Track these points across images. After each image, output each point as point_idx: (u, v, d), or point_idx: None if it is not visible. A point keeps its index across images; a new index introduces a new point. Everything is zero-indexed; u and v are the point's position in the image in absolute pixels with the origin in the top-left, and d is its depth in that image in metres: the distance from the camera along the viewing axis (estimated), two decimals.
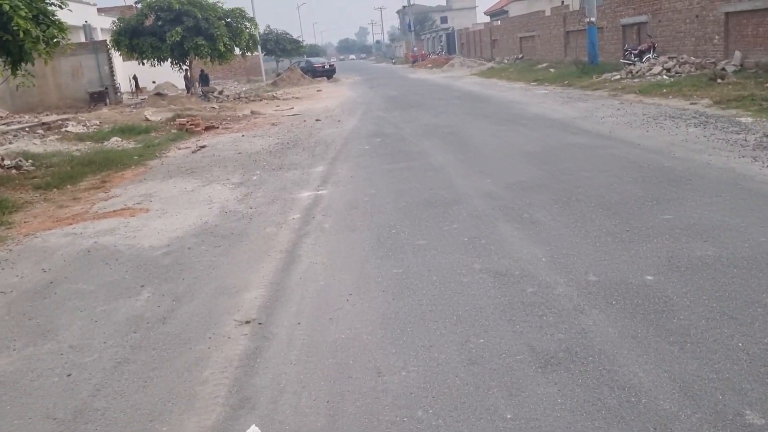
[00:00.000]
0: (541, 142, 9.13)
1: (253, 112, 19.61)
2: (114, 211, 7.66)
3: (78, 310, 4.41)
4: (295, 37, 56.49)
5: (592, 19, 21.41)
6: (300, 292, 4.29)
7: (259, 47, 47.56)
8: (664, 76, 17.67)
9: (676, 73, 17.98)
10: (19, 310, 4.52)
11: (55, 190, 9.41)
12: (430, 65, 47.59)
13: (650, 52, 20.63)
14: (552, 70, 25.43)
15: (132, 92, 32.89)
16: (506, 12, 55.64)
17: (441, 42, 67.74)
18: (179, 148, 13.18)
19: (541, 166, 7.42)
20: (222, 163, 10.42)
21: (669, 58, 19.50)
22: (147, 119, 20.38)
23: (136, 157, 11.86)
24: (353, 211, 6.39)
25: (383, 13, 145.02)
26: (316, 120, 15.77)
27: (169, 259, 5.40)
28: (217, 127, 16.65)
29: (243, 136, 14.13)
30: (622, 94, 14.93)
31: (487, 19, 66.56)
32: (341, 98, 23.20)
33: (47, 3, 9.80)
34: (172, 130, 16.11)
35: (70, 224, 7.21)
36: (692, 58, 18.89)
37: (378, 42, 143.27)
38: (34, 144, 14.76)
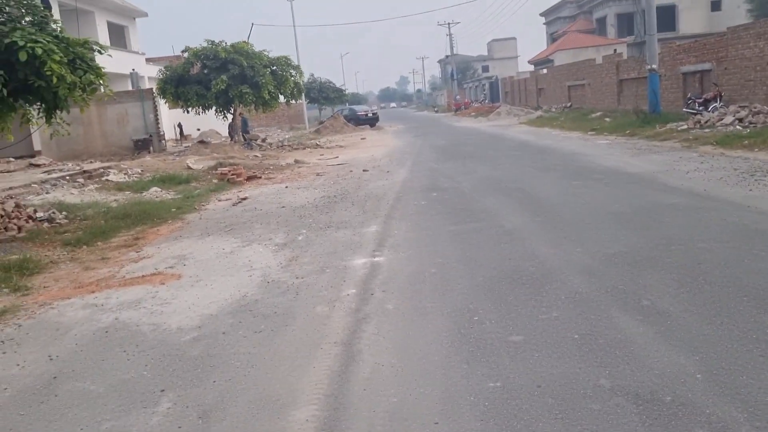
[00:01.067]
0: (628, 202, 7.95)
1: (297, 161, 18.91)
2: (143, 276, 6.74)
3: (78, 427, 3.39)
4: (338, 85, 56.75)
5: (654, 66, 20.31)
6: (367, 414, 3.20)
7: (303, 95, 47.80)
8: (738, 127, 16.36)
9: (750, 123, 16.65)
10: (6, 422, 3.53)
11: (84, 247, 8.61)
12: (473, 114, 46.92)
13: (716, 101, 19.37)
14: (607, 119, 24.28)
15: (177, 140, 32.87)
16: (551, 61, 54.98)
17: (484, 90, 67.36)
18: (219, 200, 12.39)
19: (640, 233, 6.24)
20: (264, 219, 9.51)
21: (740, 107, 18.18)
22: (189, 167, 19.89)
23: (173, 210, 11.08)
24: (420, 286, 5.31)
25: (424, 63, 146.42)
26: (363, 170, 14.89)
27: (198, 349, 4.38)
28: (260, 177, 15.91)
29: (287, 187, 13.30)
30: (697, 145, 13.68)
31: (531, 67, 66.10)
32: (387, 147, 22.40)
33: (86, 48, 9.21)
34: (214, 180, 15.43)
35: (93, 292, 6.31)
36: (765, 107, 17.56)
37: (419, 90, 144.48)
38: (72, 194, 14.20)
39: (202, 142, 25.82)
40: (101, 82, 9.46)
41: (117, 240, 9.03)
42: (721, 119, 17.39)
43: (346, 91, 60.08)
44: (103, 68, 9.39)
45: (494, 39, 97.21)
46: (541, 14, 72.06)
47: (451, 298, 4.87)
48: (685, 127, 17.56)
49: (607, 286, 4.72)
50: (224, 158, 21.98)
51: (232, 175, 15.16)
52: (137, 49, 34.95)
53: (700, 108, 19.86)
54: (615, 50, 38.14)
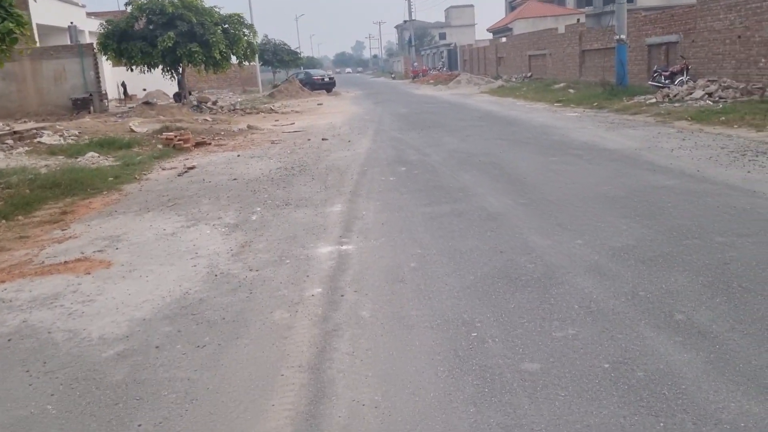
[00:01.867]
0: (618, 182, 7.24)
1: (249, 127, 17.69)
2: (65, 263, 5.68)
3: None
4: (293, 48, 54.81)
5: (623, 36, 19.71)
6: None
7: (257, 57, 45.84)
8: (708, 102, 15.94)
9: (720, 98, 16.26)
10: None
11: (2, 222, 7.44)
12: (432, 81, 45.96)
13: (683, 75, 18.93)
14: (571, 90, 23.72)
15: (120, 100, 30.93)
16: (510, 29, 54.27)
17: (442, 58, 66.36)
18: (164, 169, 11.23)
19: (643, 222, 5.50)
20: (213, 193, 8.46)
21: (709, 81, 17.79)
22: (132, 130, 18.49)
23: (111, 179, 9.90)
24: (399, 286, 4.44)
25: (381, 28, 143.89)
26: (323, 139, 13.85)
27: (123, 370, 3.43)
28: (209, 144, 14.71)
29: (239, 156, 12.19)
30: (671, 120, 13.13)
31: (489, 36, 65.29)
32: (346, 114, 21.32)
33: None
34: (158, 146, 14.15)
35: (2, 282, 5.24)
36: (734, 82, 17.21)
37: (375, 56, 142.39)
38: None
39: (147, 103, 24.18)
40: (22, 31, 8.15)
41: (42, 214, 7.88)
42: (690, 93, 16.96)
43: (302, 55, 58.14)
44: (23, 16, 8.07)
45: (452, 6, 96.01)
46: None
47: (439, 304, 4.03)
48: (654, 100, 17.07)
49: (626, 292, 3.95)
50: (171, 121, 20.54)
51: (179, 140, 13.92)
52: (78, 1, 32.53)
53: (667, 81, 19.43)
54: (578, 20, 37.59)
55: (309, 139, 14.08)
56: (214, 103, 30.08)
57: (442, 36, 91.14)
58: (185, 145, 13.82)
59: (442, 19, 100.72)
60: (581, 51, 29.43)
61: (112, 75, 33.60)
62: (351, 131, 15.26)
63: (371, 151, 11.51)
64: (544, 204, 6.46)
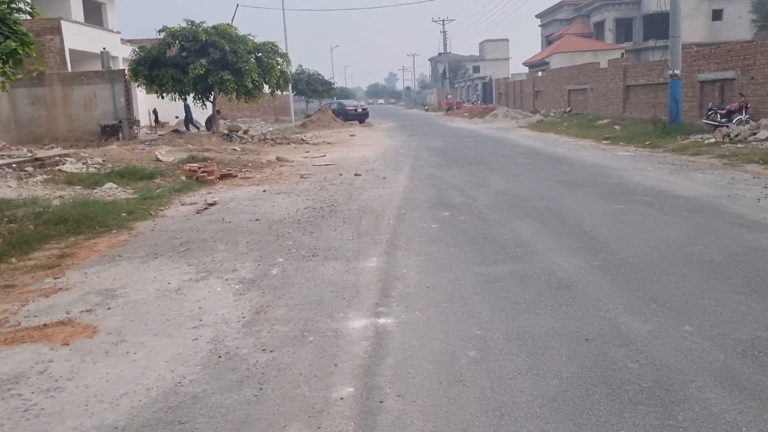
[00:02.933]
0: (709, 241, 6.04)
1: (279, 159, 16.83)
2: (44, 325, 4.69)
3: None
4: (327, 78, 54.61)
5: (677, 71, 18.50)
6: None
7: (290, 86, 45.56)
8: None
9: None
10: None
11: None
12: (466, 114, 45.06)
13: (741, 113, 17.59)
14: (617, 127, 22.49)
15: (151, 127, 30.58)
16: (547, 63, 53.35)
17: (476, 91, 65.58)
18: (183, 204, 10.33)
19: (764, 301, 4.30)
20: (231, 236, 7.47)
21: None
22: (158, 159, 17.79)
23: (124, 215, 8.99)
24: (457, 390, 3.31)
25: (414, 60, 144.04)
26: (355, 174, 12.86)
27: None
28: (235, 176, 13.84)
29: (264, 191, 11.25)
30: (740, 163, 11.84)
31: (523, 69, 64.45)
32: (379, 147, 20.39)
33: (10, 8, 7.10)
34: (182, 177, 13.31)
35: None
36: None
37: (408, 88, 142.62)
38: (9, 186, 12.02)
39: (176, 131, 23.64)
40: (27, 51, 7.34)
41: (39, 255, 6.97)
42: (754, 134, 15.64)
43: (335, 85, 57.90)
44: (29, 36, 7.26)
45: (486, 39, 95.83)
46: (537, 16, 70.54)
47: (515, 426, 2.89)
48: (713, 140, 15.78)
49: None
50: (199, 151, 19.89)
51: (203, 172, 13.07)
52: (113, 28, 32.53)
53: (723, 120, 18.11)
54: (622, 54, 36.44)
55: (341, 174, 13.11)
56: (246, 132, 29.55)
57: (476, 69, 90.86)
58: (209, 178, 12.95)
59: (476, 53, 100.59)
60: (625, 86, 28.23)
61: (146, 102, 33.37)
62: (386, 166, 14.26)
63: (408, 189, 10.46)
64: (625, 268, 5.29)
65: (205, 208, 9.78)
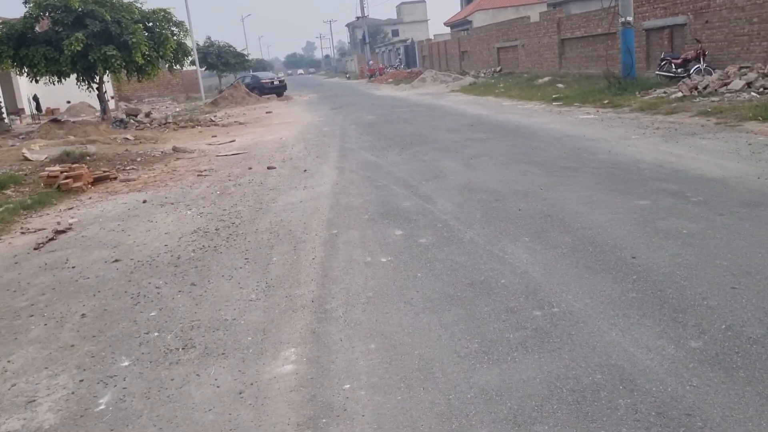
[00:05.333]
0: None
1: (176, 150, 13.74)
2: None
3: None
4: (239, 50, 50.61)
5: (629, 18, 16.39)
6: None
7: (197, 60, 41.43)
8: (753, 93, 12.74)
9: (764, 88, 13.09)
10: None
11: None
12: (391, 80, 42.41)
13: (700, 62, 15.69)
14: (560, 85, 20.41)
15: (33, 116, 26.41)
16: (470, 22, 51.15)
17: (399, 55, 62.91)
18: (25, 231, 7.32)
19: None
20: (63, 303, 4.64)
21: (743, 68, 14.64)
22: (25, 158, 14.40)
23: None
24: None
25: (332, 26, 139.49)
26: (269, 168, 10.07)
27: None
28: (114, 178, 10.78)
29: (145, 202, 8.32)
30: (734, 121, 9.79)
31: (443, 31, 62.01)
32: (299, 124, 17.48)
33: None
34: (41, 185, 10.15)
35: None
36: None
37: (327, 56, 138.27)
38: None
39: (55, 120, 19.90)
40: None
41: None
42: (725, 84, 13.73)
43: (249, 57, 53.92)
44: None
45: (403, 2, 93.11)
46: None
47: None
48: (680, 94, 13.80)
49: None
50: (81, 143, 16.48)
51: (66, 178, 9.94)
52: None
53: (679, 71, 16.24)
54: (555, 5, 34.47)
55: (250, 168, 10.27)
56: (148, 114, 25.94)
57: (395, 33, 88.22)
58: (75, 185, 9.85)
59: (394, 16, 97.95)
60: (560, 40, 26.31)
61: (30, 88, 28.91)
62: (307, 152, 11.48)
63: (339, 189, 7.78)
64: (752, 361, 2.86)
65: (51, 239, 6.83)
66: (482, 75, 33.36)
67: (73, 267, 5.58)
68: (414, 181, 7.69)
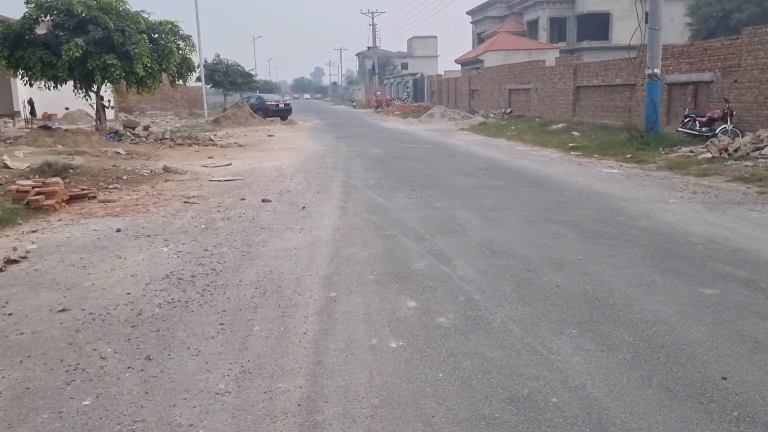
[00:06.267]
0: None
1: (166, 170, 12.75)
2: None
3: None
4: (247, 69, 50.10)
5: (656, 71, 15.62)
6: None
7: (203, 76, 40.78)
8: None
9: None
10: None
11: None
12: (398, 112, 41.78)
13: (727, 122, 14.88)
14: (575, 133, 19.59)
15: (27, 121, 25.48)
16: (481, 61, 50.86)
17: (407, 88, 62.50)
18: None
19: None
20: None
21: None
22: (5, 166, 13.43)
23: None
24: None
25: (342, 54, 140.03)
26: (263, 200, 9.07)
27: None
28: (93, 197, 9.77)
29: (119, 231, 7.30)
30: None
31: (452, 67, 61.77)
32: (301, 152, 16.55)
33: None
34: (8, 201, 9.12)
35: None
36: None
37: (334, 83, 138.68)
38: None
39: (45, 127, 18.95)
40: None
41: None
42: (759, 149, 12.87)
43: (257, 77, 53.38)
44: None
45: (415, 36, 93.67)
46: (468, 13, 68.10)
47: None
48: (709, 155, 12.92)
49: None
50: (69, 153, 15.53)
51: (38, 194, 8.91)
52: None
53: (704, 129, 15.42)
54: (572, 52, 33.95)
55: (243, 199, 9.27)
56: (146, 128, 25.02)
57: (405, 66, 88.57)
58: (46, 202, 8.82)
59: (404, 49, 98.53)
60: (576, 87, 25.58)
61: (28, 91, 28.02)
62: (307, 186, 10.51)
63: (340, 236, 6.77)
64: None
65: (1, 269, 5.78)
66: (492, 115, 32.69)
67: (10, 314, 4.53)
68: (427, 234, 6.68)
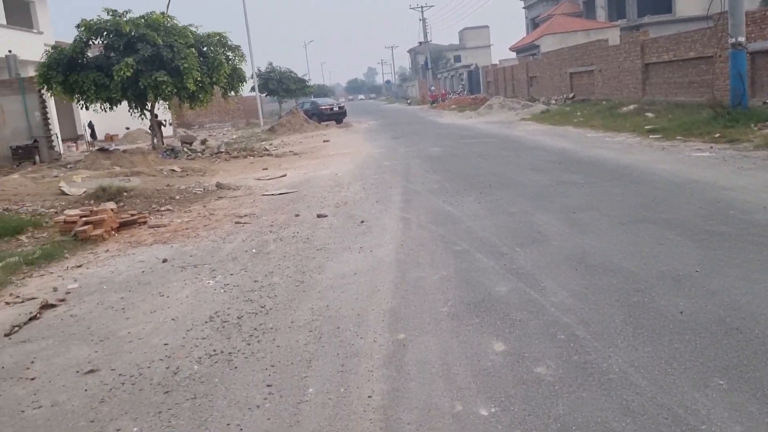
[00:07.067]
0: None
1: (219, 186, 12.26)
2: None
3: None
4: (301, 75, 49.98)
5: (741, 39, 14.10)
6: None
7: (256, 85, 40.83)
8: None
9: None
10: None
11: None
12: (454, 106, 40.71)
13: None
14: (649, 114, 18.12)
15: (88, 143, 25.82)
16: (537, 47, 49.03)
17: (462, 80, 61.16)
18: (11, 301, 5.79)
19: None
20: None
21: None
22: (62, 192, 13.29)
23: None
24: None
25: (393, 52, 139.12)
26: (319, 216, 8.35)
27: None
28: (144, 222, 9.31)
29: (164, 262, 6.72)
30: None
31: (508, 56, 59.91)
32: (358, 157, 15.84)
33: None
34: (57, 234, 8.75)
35: None
36: None
37: (388, 82, 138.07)
38: None
39: (102, 150, 18.95)
40: None
41: None
42: None
43: (310, 82, 53.26)
44: None
45: (466, 27, 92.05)
46: None
47: None
48: None
49: None
50: (126, 174, 15.36)
51: (87, 224, 8.48)
52: (44, 30, 27.38)
53: None
54: (638, 27, 32.08)
55: (297, 215, 8.59)
56: (203, 142, 24.90)
57: (457, 59, 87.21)
58: (94, 232, 8.38)
59: (456, 41, 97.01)
60: (644, 65, 23.90)
61: (89, 114, 28.34)
62: (365, 194, 9.75)
63: (404, 254, 5.95)
64: None
65: (34, 317, 5.25)
66: (553, 102, 31.21)
67: (33, 379, 3.93)
68: (505, 247, 5.78)
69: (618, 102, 23.29)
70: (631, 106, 20.67)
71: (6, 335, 4.91)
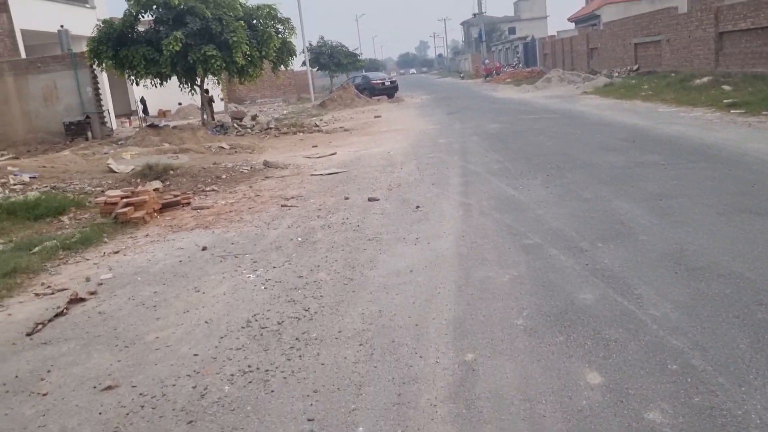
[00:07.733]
0: None
1: (266, 164, 11.76)
2: None
3: None
4: (352, 49, 49.20)
5: None
6: None
7: (307, 60, 40.31)
8: None
9: None
10: None
11: None
12: (509, 80, 39.29)
13: None
14: (726, 87, 16.72)
15: (141, 119, 25.80)
16: (598, 17, 46.81)
17: (517, 53, 59.23)
18: (41, 293, 5.40)
19: None
20: None
21: None
22: (110, 170, 13.06)
23: None
24: None
25: (446, 25, 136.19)
26: (370, 199, 7.70)
27: None
28: (187, 203, 8.86)
29: (204, 250, 6.20)
30: None
31: (563, 28, 57.63)
32: (411, 133, 15.09)
33: None
34: (98, 215, 8.39)
35: None
36: None
37: (440, 55, 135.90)
38: None
39: (152, 126, 18.74)
40: None
41: None
42: None
43: (361, 57, 52.43)
44: None
45: None
46: None
47: None
48: None
49: None
50: (174, 151, 15.07)
51: (127, 205, 8.07)
52: (97, 5, 27.34)
53: None
54: None
55: (347, 198, 7.96)
56: (254, 117, 24.54)
57: (512, 31, 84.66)
58: (135, 215, 7.95)
59: (511, 13, 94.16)
60: (718, 34, 22.20)
61: (143, 91, 28.30)
62: (420, 174, 9.04)
63: (467, 247, 5.25)
64: None
65: (60, 314, 4.81)
66: (616, 74, 29.59)
67: (45, 395, 3.43)
68: (584, 242, 5.01)
69: (689, 74, 21.74)
70: (705, 78, 19.17)
71: (28, 334, 4.46)
